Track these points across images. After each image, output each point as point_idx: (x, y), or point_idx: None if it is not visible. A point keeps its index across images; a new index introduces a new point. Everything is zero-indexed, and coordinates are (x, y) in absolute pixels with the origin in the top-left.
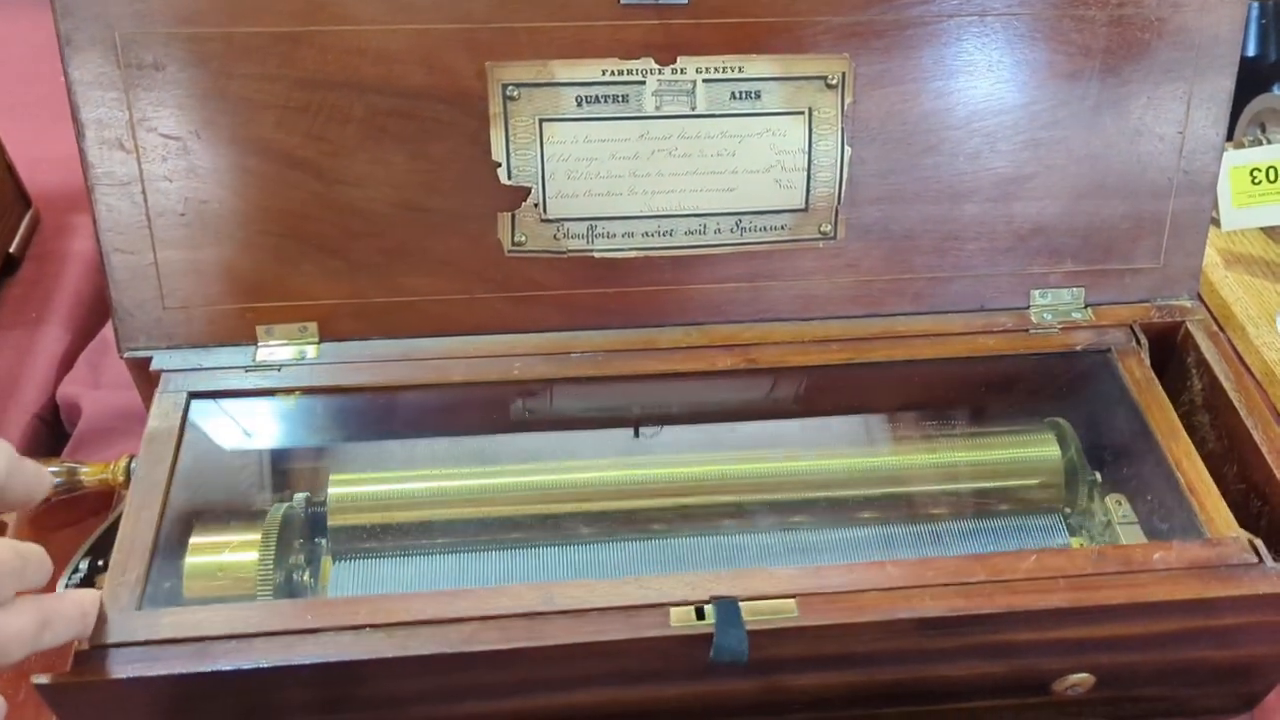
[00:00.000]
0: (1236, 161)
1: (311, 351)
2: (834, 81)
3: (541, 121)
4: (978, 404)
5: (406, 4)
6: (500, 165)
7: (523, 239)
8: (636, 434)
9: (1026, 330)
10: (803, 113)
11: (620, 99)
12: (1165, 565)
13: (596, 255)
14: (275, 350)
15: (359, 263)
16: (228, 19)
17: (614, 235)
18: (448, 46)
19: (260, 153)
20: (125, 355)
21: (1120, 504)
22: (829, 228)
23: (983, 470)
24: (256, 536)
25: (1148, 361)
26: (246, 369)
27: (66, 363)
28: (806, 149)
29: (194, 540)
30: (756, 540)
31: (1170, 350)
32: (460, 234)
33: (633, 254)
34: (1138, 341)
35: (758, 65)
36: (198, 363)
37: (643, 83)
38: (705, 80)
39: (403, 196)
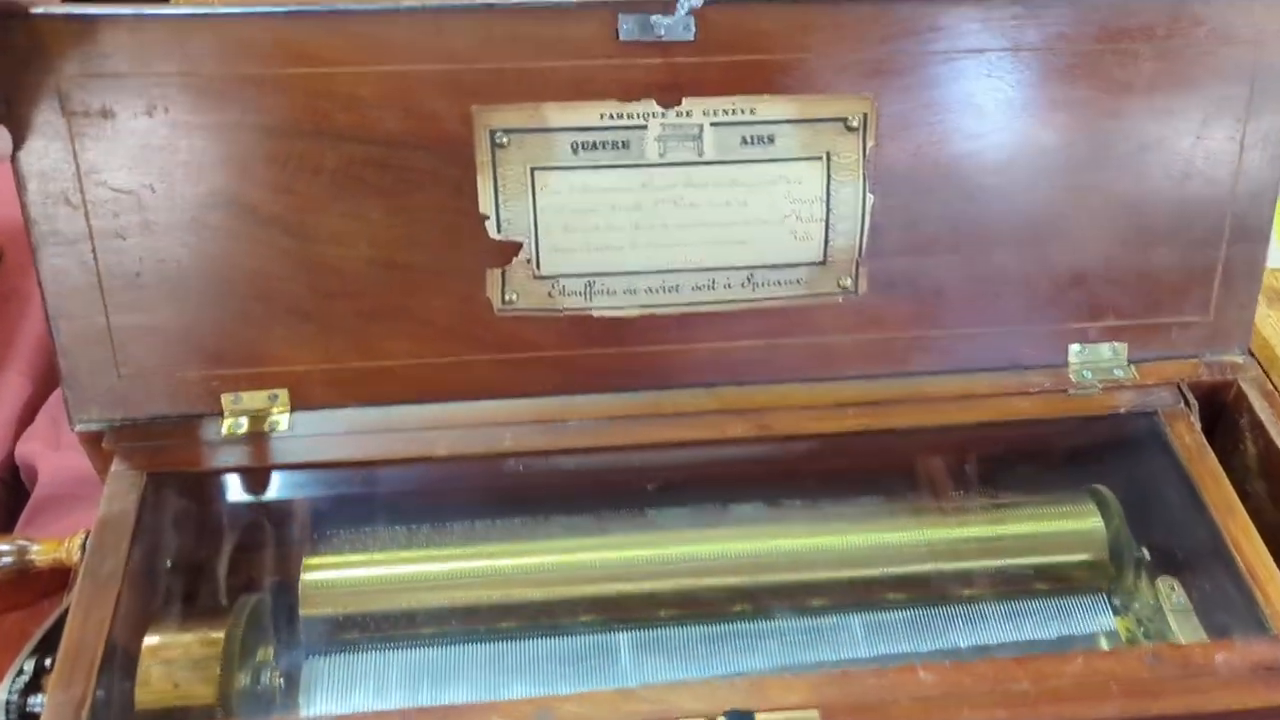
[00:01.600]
0: None
1: (282, 422)
2: (855, 123)
3: (534, 170)
4: (1012, 472)
5: (381, 43)
6: (489, 218)
7: (514, 297)
8: (641, 510)
9: (1065, 391)
10: (820, 158)
11: (620, 145)
12: (1229, 668)
13: (595, 314)
14: (242, 421)
15: (333, 325)
16: (184, 61)
17: (614, 292)
18: (428, 89)
19: (223, 207)
20: (77, 429)
21: (1174, 589)
22: (849, 281)
23: (1019, 545)
24: (219, 635)
25: (1198, 425)
26: (210, 443)
27: (28, 415)
28: (824, 197)
29: (148, 643)
30: (774, 627)
31: (1221, 410)
32: (444, 293)
33: (635, 312)
34: (1186, 402)
35: (771, 107)
36: (156, 437)
37: (644, 127)
38: (713, 124)
39: (380, 253)
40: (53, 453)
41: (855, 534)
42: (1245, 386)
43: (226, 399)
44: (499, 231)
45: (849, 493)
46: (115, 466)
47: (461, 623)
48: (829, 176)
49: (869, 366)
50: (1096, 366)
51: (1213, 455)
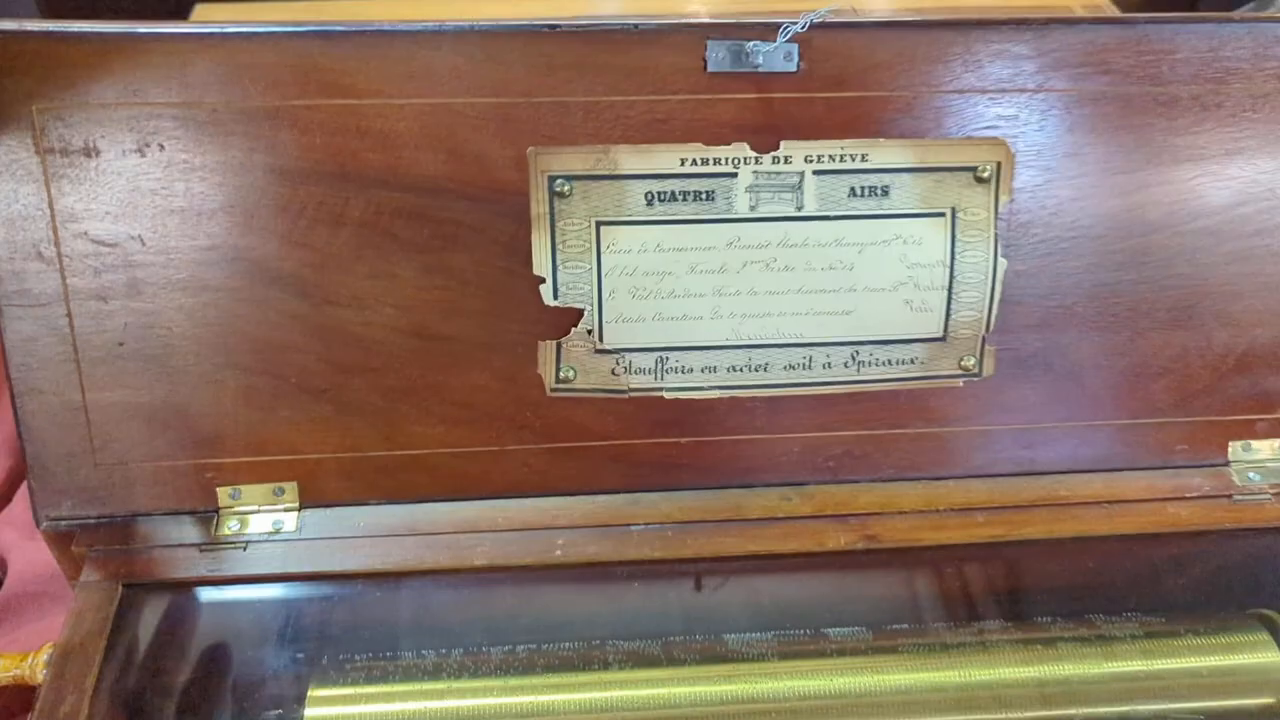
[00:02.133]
0: None
1: (290, 522)
2: (986, 174)
3: (600, 225)
4: (1163, 592)
5: (421, 71)
6: (544, 281)
7: (570, 374)
8: (719, 637)
9: (1228, 497)
10: (944, 214)
11: (704, 196)
12: None
13: (667, 396)
14: (242, 521)
15: (352, 405)
16: (184, 89)
17: (690, 370)
18: (475, 126)
19: (226, 263)
20: (44, 526)
21: None
22: (973, 361)
23: (1181, 685)
24: None
25: None
26: (202, 547)
27: (4, 494)
28: (948, 261)
29: None
30: None
31: None
32: (486, 368)
33: (714, 394)
34: None
35: (886, 152)
36: (137, 540)
37: (734, 175)
38: (816, 172)
39: (412, 321)
40: (28, 542)
41: (977, 670)
42: None
43: (223, 493)
44: (555, 297)
45: (969, 617)
46: (86, 574)
47: None
48: (954, 236)
49: (995, 464)
50: (1265, 468)
51: None
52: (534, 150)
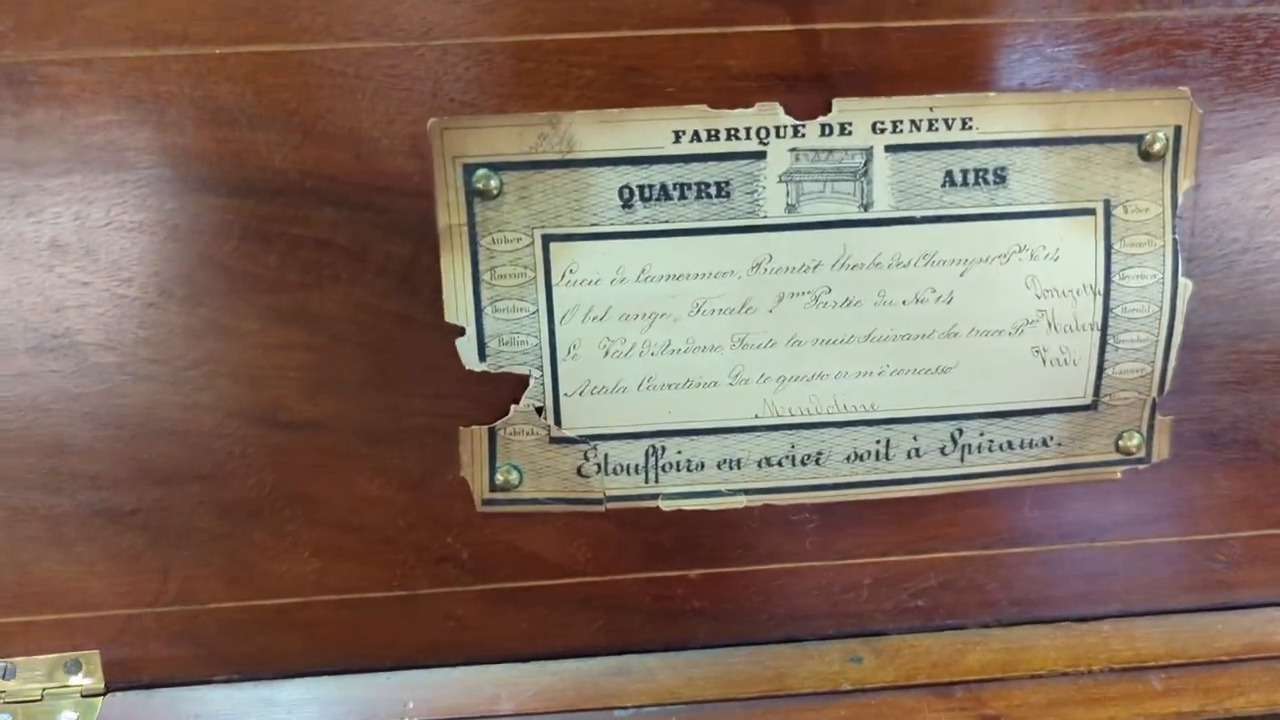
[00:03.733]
0: None
1: (89, 714)
2: (1159, 146)
3: (549, 241)
4: None
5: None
6: (462, 333)
7: (513, 477)
8: None
9: None
10: (1093, 211)
11: (714, 191)
12: None
13: (665, 507)
14: (21, 714)
15: (176, 533)
16: None
17: (700, 466)
18: (341, 86)
19: None
20: None
21: None
22: (1137, 440)
23: None
24: None
25: None
26: None
27: None
28: (1100, 285)
29: None
30: None
31: None
32: (379, 471)
33: (740, 501)
34: None
35: (1001, 114)
36: None
37: (761, 155)
38: (890, 148)
39: (259, 400)
40: None
41: None
42: None
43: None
44: (482, 358)
45: None
46: None
47: None
48: (1108, 246)
49: (1176, 595)
50: None
51: None
52: (437, 122)
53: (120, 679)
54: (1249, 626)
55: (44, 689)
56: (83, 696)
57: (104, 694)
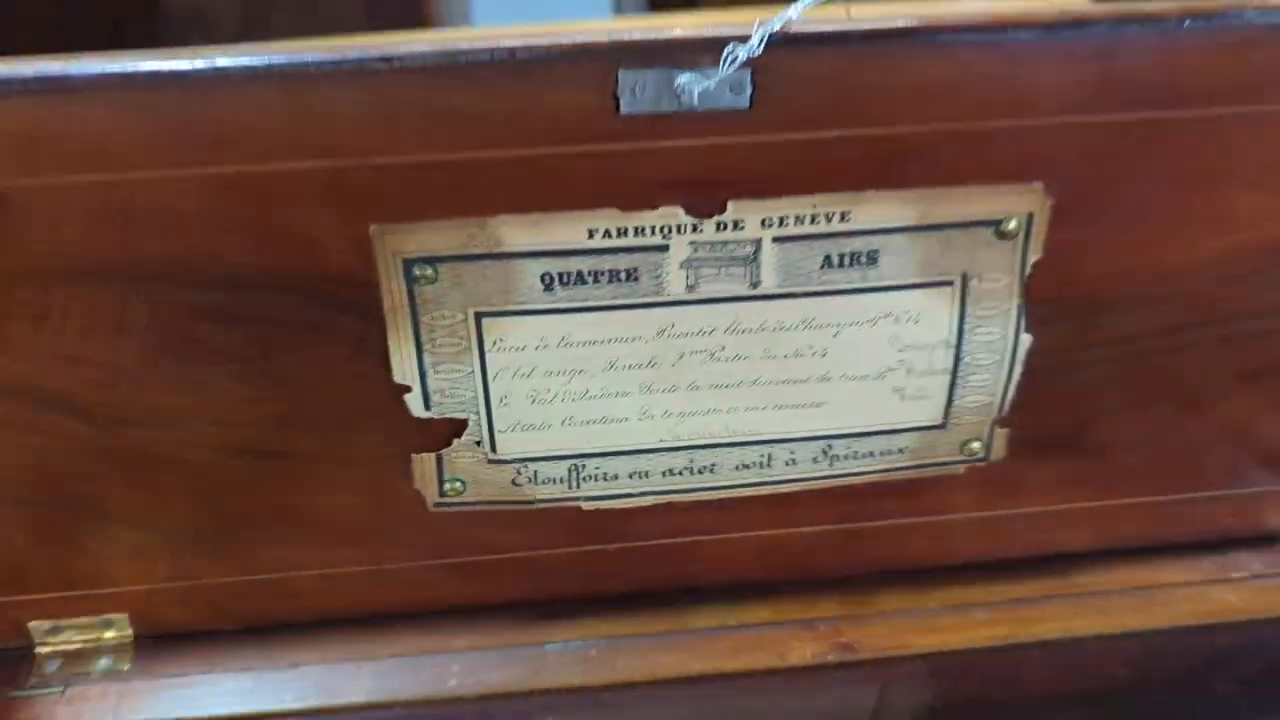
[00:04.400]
0: None
1: (122, 658)
2: (1013, 226)
3: (480, 317)
4: (1215, 699)
5: (206, 129)
6: (409, 390)
7: (457, 486)
8: None
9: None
10: (952, 283)
11: (624, 276)
12: None
13: (585, 507)
14: (64, 660)
15: (180, 533)
16: None
17: (615, 476)
18: (292, 200)
19: None
20: None
21: None
22: (979, 445)
23: None
24: None
25: None
26: (15, 695)
27: None
28: (953, 340)
29: None
30: None
31: None
32: (345, 487)
33: (648, 500)
34: None
35: (875, 208)
36: None
37: (664, 248)
38: (777, 239)
39: (238, 438)
40: None
41: None
42: None
43: (37, 629)
44: (427, 408)
45: None
46: None
47: None
48: (963, 311)
49: (999, 551)
50: None
51: None
52: (379, 229)
53: (147, 632)
54: (1057, 572)
55: (84, 642)
56: (114, 646)
57: (133, 642)
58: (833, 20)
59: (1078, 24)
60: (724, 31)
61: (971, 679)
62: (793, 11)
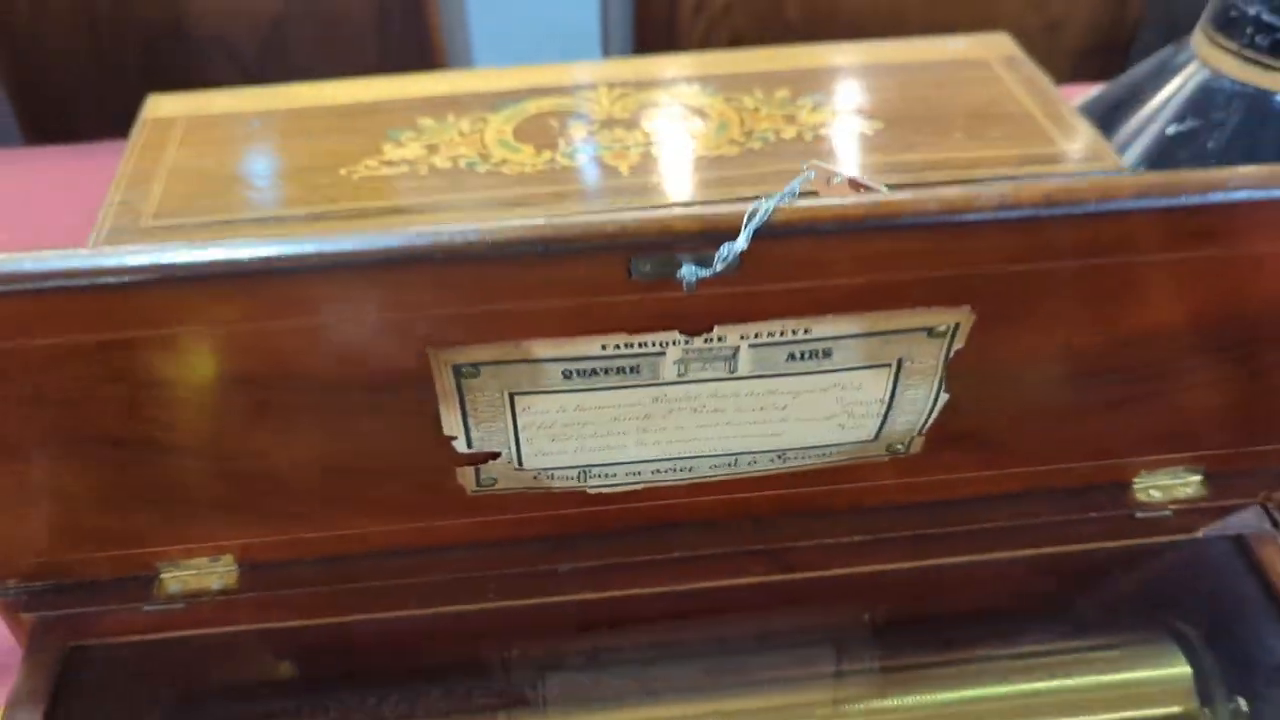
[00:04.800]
0: None
1: (229, 580)
2: (941, 330)
3: (513, 396)
4: (1075, 613)
5: (301, 299)
6: (455, 439)
7: (491, 480)
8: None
9: (1130, 514)
10: (889, 365)
11: (628, 370)
12: None
13: (591, 491)
14: (182, 583)
15: (272, 513)
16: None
17: (613, 475)
18: (369, 336)
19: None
20: None
21: None
22: (901, 447)
23: (1091, 699)
24: None
25: None
26: (143, 610)
27: None
28: (886, 399)
29: None
30: None
31: None
32: (404, 485)
33: (639, 486)
34: (1274, 523)
35: (832, 325)
36: (82, 604)
37: (662, 353)
38: (752, 345)
39: (321, 464)
40: None
41: (899, 694)
42: None
43: (162, 564)
44: (470, 447)
45: (889, 644)
46: (31, 639)
47: None
48: (896, 381)
49: (916, 498)
50: (1166, 486)
51: None
52: (434, 351)
53: (248, 563)
54: (959, 511)
55: (199, 570)
56: (223, 571)
57: (237, 569)
58: (806, 208)
59: (1014, 205)
60: (720, 212)
61: (890, 595)
62: (774, 203)
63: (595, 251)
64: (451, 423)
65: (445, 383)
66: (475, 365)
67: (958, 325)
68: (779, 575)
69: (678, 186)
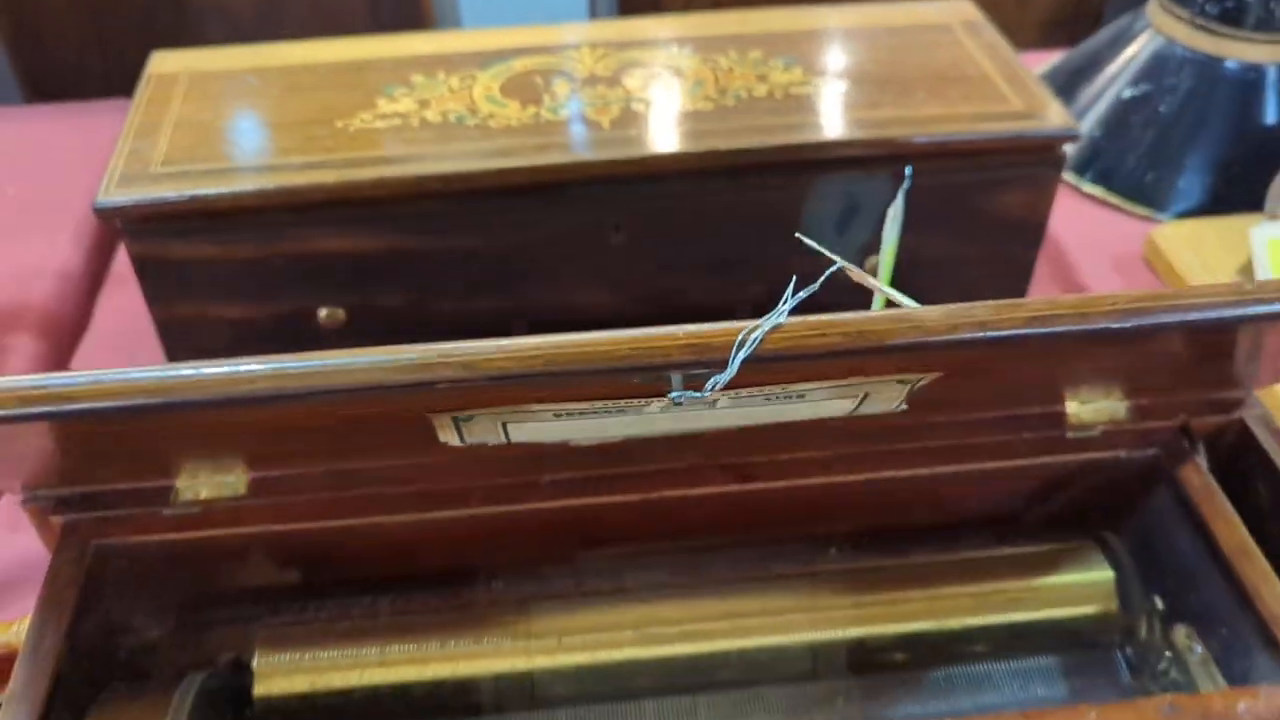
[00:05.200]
0: (1274, 234)
1: (242, 486)
2: (910, 379)
3: (506, 424)
4: (1007, 522)
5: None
6: (450, 443)
7: (480, 443)
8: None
9: (1060, 434)
10: (856, 397)
11: (615, 412)
12: (1254, 717)
13: (573, 445)
14: (198, 489)
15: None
16: None
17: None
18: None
19: None
20: (25, 503)
21: (1190, 638)
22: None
23: (1021, 599)
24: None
25: (1205, 466)
26: (163, 513)
27: None
28: (853, 410)
29: None
30: (761, 695)
31: (1227, 451)
32: (398, 457)
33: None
34: (1191, 443)
35: (808, 385)
36: (105, 507)
37: (648, 404)
38: (732, 400)
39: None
40: (10, 535)
41: (846, 593)
42: (1251, 424)
43: (181, 472)
44: (462, 442)
45: (840, 550)
46: (61, 538)
47: (442, 706)
48: (860, 405)
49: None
50: (1096, 409)
51: (1223, 497)
52: (432, 415)
53: (259, 470)
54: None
55: (216, 474)
56: (239, 476)
57: (249, 475)
58: (795, 338)
59: (996, 328)
60: (712, 339)
61: (842, 506)
62: (764, 331)
63: (597, 375)
64: (448, 438)
65: (446, 428)
66: (470, 414)
67: (921, 377)
68: (736, 485)
69: (656, 139)
